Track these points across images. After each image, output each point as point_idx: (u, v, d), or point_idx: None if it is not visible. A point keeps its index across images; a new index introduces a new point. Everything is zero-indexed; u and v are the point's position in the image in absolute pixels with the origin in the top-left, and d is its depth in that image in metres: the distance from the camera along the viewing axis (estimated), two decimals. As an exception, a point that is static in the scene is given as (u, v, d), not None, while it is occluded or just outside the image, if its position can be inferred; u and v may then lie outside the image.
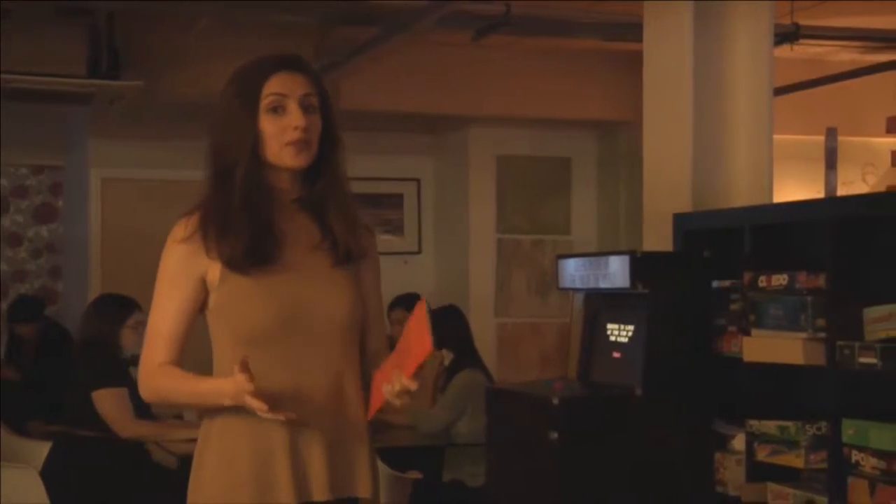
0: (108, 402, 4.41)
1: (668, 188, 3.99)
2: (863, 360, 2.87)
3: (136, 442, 4.45)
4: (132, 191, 6.97)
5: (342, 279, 2.10)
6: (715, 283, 3.51)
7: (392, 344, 2.15)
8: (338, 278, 2.10)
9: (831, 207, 3.16)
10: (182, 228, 2.08)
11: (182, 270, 2.07)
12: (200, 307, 2.10)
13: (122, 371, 4.55)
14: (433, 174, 7.54)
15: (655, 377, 3.43)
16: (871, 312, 2.93)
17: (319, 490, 2.04)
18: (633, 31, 4.38)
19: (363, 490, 2.10)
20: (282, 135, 2.05)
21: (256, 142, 2.05)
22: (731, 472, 3.39)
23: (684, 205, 3.87)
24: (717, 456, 3.45)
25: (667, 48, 4.01)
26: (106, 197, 6.95)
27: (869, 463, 2.85)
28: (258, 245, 2.04)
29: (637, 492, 3.40)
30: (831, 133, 3.35)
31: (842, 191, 4.25)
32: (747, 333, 3.31)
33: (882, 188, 3.21)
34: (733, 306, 3.43)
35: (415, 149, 7.48)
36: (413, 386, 1.94)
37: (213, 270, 2.06)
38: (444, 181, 7.41)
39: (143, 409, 4.52)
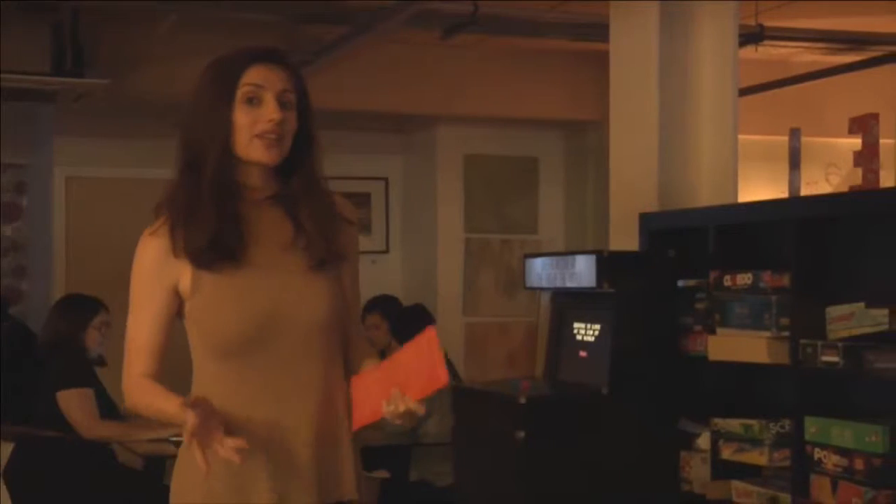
0: (73, 403, 4.38)
1: (633, 188, 4.01)
2: (825, 358, 2.90)
3: (100, 443, 4.42)
4: (97, 189, 6.91)
5: (319, 282, 2.03)
6: (680, 283, 3.53)
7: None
8: (315, 281, 2.02)
9: (795, 207, 3.19)
10: (150, 234, 2.02)
11: (154, 278, 2.02)
12: (177, 313, 2.04)
13: (87, 371, 4.52)
14: (401, 173, 7.54)
15: (621, 376, 3.45)
16: (834, 311, 2.96)
17: (304, 494, 2.00)
18: (600, 31, 4.40)
19: (349, 493, 2.05)
20: (253, 126, 1.98)
21: (229, 132, 1.99)
22: (696, 471, 3.42)
23: (650, 204, 3.89)
24: (683, 454, 3.47)
25: (632, 48, 4.03)
26: (70, 195, 6.89)
27: (831, 460, 2.88)
28: (222, 238, 1.97)
29: (603, 490, 3.42)
30: (795, 133, 3.38)
31: (805, 191, 4.28)
32: (712, 332, 3.33)
33: (845, 188, 3.24)
34: (699, 305, 3.45)
35: (382, 148, 7.47)
36: (421, 411, 1.87)
37: (185, 277, 2.00)
38: (412, 180, 7.41)
39: (110, 410, 4.49)
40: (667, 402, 3.51)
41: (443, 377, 1.81)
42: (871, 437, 2.77)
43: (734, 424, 3.25)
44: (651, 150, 3.93)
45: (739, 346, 3.22)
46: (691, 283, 3.48)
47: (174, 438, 4.43)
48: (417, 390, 1.86)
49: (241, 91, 1.99)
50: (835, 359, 2.87)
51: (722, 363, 3.30)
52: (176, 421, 1.97)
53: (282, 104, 2.00)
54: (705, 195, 3.95)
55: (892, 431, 2.71)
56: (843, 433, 2.85)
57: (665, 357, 3.51)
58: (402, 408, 1.88)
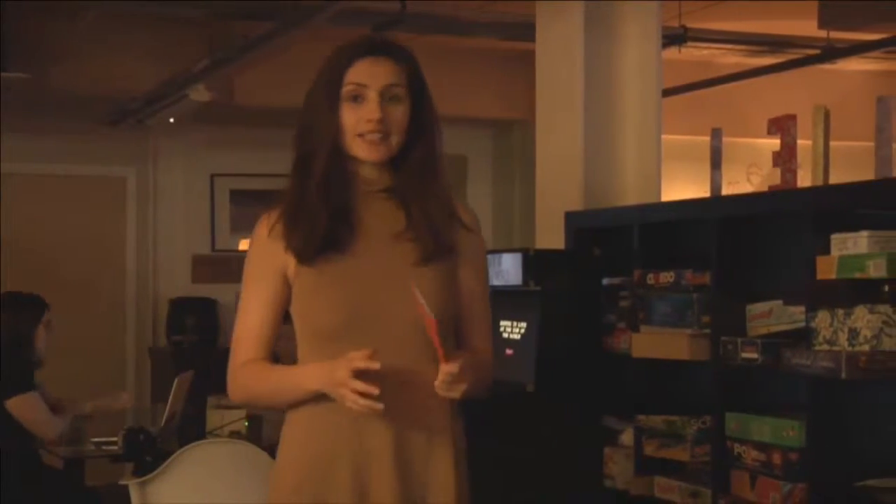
0: (26, 409, 4.29)
1: (559, 187, 4.04)
2: (745, 355, 2.95)
3: (26, 445, 4.34)
4: (19, 185, 6.79)
5: (427, 276, 1.95)
6: (605, 281, 3.57)
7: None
8: (422, 275, 1.95)
9: (715, 207, 3.24)
10: (265, 222, 2.00)
11: (264, 267, 2.00)
12: (286, 304, 2.00)
13: (28, 375, 4.43)
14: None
15: (547, 373, 3.47)
16: (753, 309, 3.02)
17: (385, 494, 1.93)
18: (527, 30, 4.43)
19: (444, 497, 1.97)
20: (356, 125, 1.96)
21: (336, 133, 1.96)
22: (619, 466, 3.46)
23: (576, 203, 3.93)
24: (607, 450, 3.51)
25: (558, 49, 4.07)
26: (-7, 192, 6.76)
27: (750, 455, 2.93)
28: (325, 236, 1.94)
29: (528, 486, 3.44)
30: (716, 134, 3.43)
31: (728, 190, 4.36)
32: (636, 330, 3.38)
33: (765, 188, 3.30)
34: (623, 303, 3.49)
35: (310, 145, 7.42)
36: (453, 369, 1.84)
37: (291, 264, 1.98)
38: (340, 178, 7.38)
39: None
40: (591, 398, 3.55)
41: (429, 319, 1.79)
42: (788, 431, 2.82)
43: (657, 420, 3.30)
44: (576, 149, 3.97)
45: (662, 343, 3.26)
46: (616, 280, 3.52)
47: (96, 439, 4.38)
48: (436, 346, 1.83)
49: (345, 90, 1.96)
50: (754, 355, 2.92)
51: (645, 360, 3.34)
52: (293, 378, 1.95)
53: (388, 99, 1.96)
54: (629, 194, 3.99)
55: (808, 426, 2.77)
56: (762, 428, 2.91)
57: (590, 354, 3.54)
58: (440, 377, 1.87)
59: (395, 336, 1.93)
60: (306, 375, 1.94)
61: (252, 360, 2.00)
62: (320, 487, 1.94)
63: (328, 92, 1.97)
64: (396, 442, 1.94)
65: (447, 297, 1.98)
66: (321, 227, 1.94)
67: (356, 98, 1.96)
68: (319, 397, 1.93)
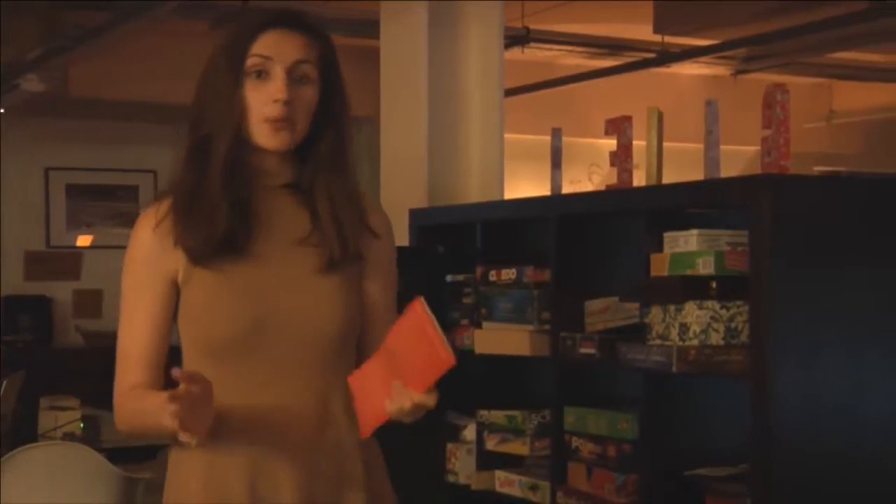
0: None
1: (404, 184, 4.06)
2: (583, 350, 3.03)
3: None
4: None
5: (332, 285, 1.76)
6: (449, 278, 3.61)
7: None
8: (326, 284, 1.75)
9: (556, 205, 3.31)
10: (148, 219, 1.76)
11: (151, 271, 1.75)
12: (174, 314, 1.77)
13: None
14: (170, 166, 7.34)
15: (390, 370, 3.48)
16: (591, 305, 3.10)
17: None
18: (372, 28, 4.44)
19: None
20: (262, 107, 1.72)
21: (239, 112, 1.72)
22: (461, 462, 3.50)
23: (420, 201, 3.95)
24: (449, 446, 3.55)
25: (402, 47, 4.09)
26: None
27: (586, 448, 3.01)
28: (225, 234, 1.71)
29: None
30: (556, 133, 3.51)
31: (570, 189, 4.47)
32: (479, 326, 3.42)
33: (603, 187, 3.39)
34: (466, 300, 3.53)
35: (151, 139, 7.25)
36: (432, 403, 1.61)
37: (182, 267, 1.74)
38: (182, 173, 7.23)
39: None
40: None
41: (446, 357, 1.52)
42: (623, 424, 2.91)
43: (498, 416, 3.35)
44: (420, 147, 4.00)
45: (504, 339, 3.31)
46: (459, 277, 3.56)
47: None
48: (420, 379, 1.58)
49: (248, 63, 1.72)
50: (591, 351, 2.99)
51: (488, 356, 3.39)
52: (153, 414, 1.62)
53: (296, 78, 1.73)
54: (473, 192, 4.04)
55: (640, 419, 2.86)
56: (599, 421, 2.99)
57: (433, 351, 3.56)
58: (408, 404, 1.61)
59: (298, 357, 1.72)
60: (160, 409, 1.62)
61: (140, 385, 1.75)
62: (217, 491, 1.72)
63: (229, 66, 1.73)
64: (302, 465, 1.73)
65: (352, 308, 1.79)
66: (222, 222, 1.72)
67: (260, 74, 1.73)
68: (213, 439, 1.69)
